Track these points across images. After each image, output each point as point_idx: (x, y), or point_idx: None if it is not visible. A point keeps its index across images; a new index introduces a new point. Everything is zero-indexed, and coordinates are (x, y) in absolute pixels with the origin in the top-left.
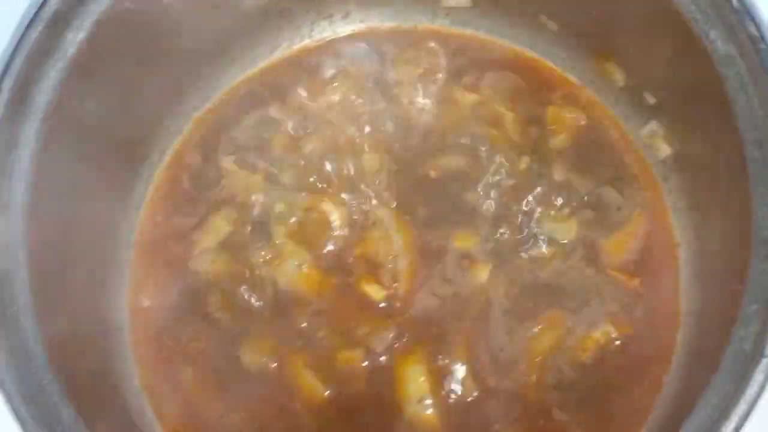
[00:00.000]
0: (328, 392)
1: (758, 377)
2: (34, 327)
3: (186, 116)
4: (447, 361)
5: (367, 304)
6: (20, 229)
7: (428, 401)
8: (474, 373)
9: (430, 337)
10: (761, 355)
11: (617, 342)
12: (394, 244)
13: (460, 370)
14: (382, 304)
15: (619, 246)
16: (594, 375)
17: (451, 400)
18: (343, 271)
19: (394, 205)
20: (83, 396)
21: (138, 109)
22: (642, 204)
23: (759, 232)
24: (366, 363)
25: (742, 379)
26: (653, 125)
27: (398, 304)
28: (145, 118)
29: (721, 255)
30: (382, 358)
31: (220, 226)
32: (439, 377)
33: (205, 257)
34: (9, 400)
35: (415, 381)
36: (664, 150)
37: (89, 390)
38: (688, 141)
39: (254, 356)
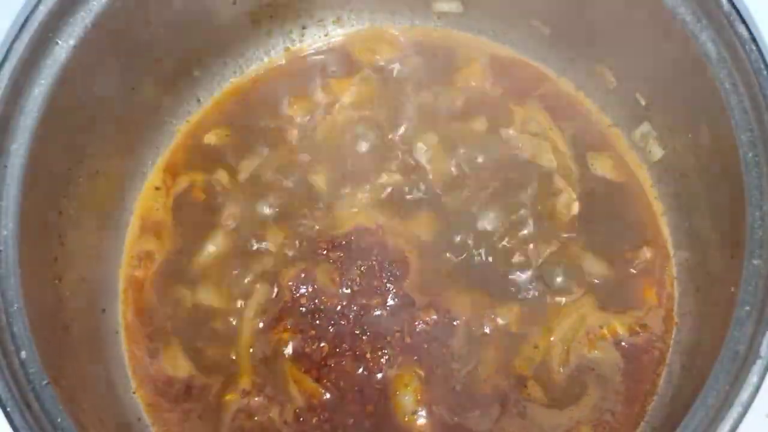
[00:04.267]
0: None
1: (753, 379)
2: (28, 333)
3: (177, 122)
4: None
5: None
6: (12, 233)
7: (422, 412)
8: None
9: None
10: (755, 356)
11: (622, 342)
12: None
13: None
14: None
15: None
16: (590, 376)
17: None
18: None
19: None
20: (77, 402)
21: (129, 116)
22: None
23: (752, 233)
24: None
25: (736, 381)
26: (646, 127)
27: None
28: (137, 125)
29: (714, 257)
30: (379, 375)
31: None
32: (431, 390)
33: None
34: (3, 406)
35: (409, 394)
36: (657, 152)
37: (83, 396)
38: (681, 142)
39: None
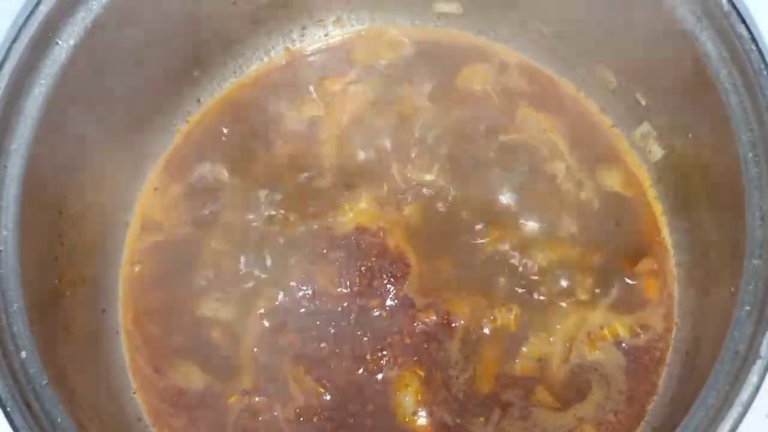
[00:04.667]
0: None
1: (753, 379)
2: (28, 333)
3: (177, 122)
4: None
5: None
6: (12, 233)
7: (422, 413)
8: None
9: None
10: (755, 356)
11: (622, 343)
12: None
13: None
14: None
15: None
16: (594, 376)
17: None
18: None
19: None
20: (77, 402)
21: (129, 116)
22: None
23: (752, 233)
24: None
25: (736, 381)
26: (646, 127)
27: None
28: (137, 125)
29: (714, 257)
30: (379, 376)
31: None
32: (432, 390)
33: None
34: (3, 406)
35: (409, 395)
36: (657, 152)
37: (83, 396)
38: (681, 142)
39: None
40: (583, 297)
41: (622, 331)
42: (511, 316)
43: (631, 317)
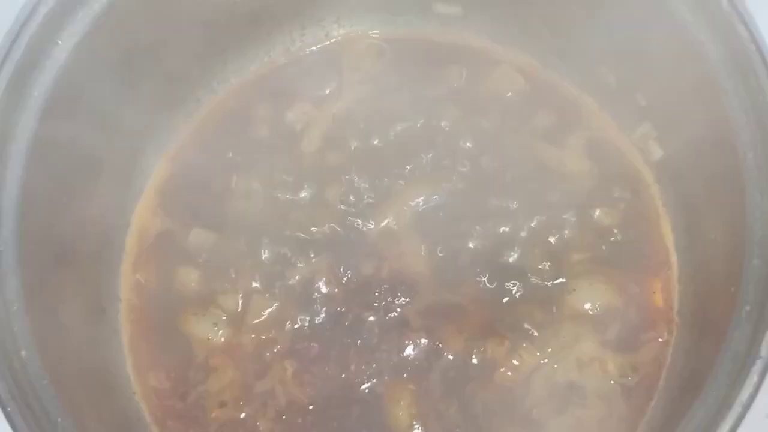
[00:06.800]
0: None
1: (753, 379)
2: (27, 333)
3: (178, 121)
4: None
5: None
6: (12, 233)
7: (417, 426)
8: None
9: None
10: (756, 356)
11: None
12: None
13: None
14: None
15: None
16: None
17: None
18: None
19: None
20: (78, 402)
21: (130, 116)
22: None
23: (752, 234)
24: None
25: (736, 381)
26: (646, 127)
27: None
28: (137, 125)
29: (714, 257)
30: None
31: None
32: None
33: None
34: (3, 406)
35: (404, 408)
36: (657, 152)
37: (84, 396)
38: (681, 142)
39: None
40: (584, 323)
41: (613, 369)
42: (503, 348)
43: (626, 358)
